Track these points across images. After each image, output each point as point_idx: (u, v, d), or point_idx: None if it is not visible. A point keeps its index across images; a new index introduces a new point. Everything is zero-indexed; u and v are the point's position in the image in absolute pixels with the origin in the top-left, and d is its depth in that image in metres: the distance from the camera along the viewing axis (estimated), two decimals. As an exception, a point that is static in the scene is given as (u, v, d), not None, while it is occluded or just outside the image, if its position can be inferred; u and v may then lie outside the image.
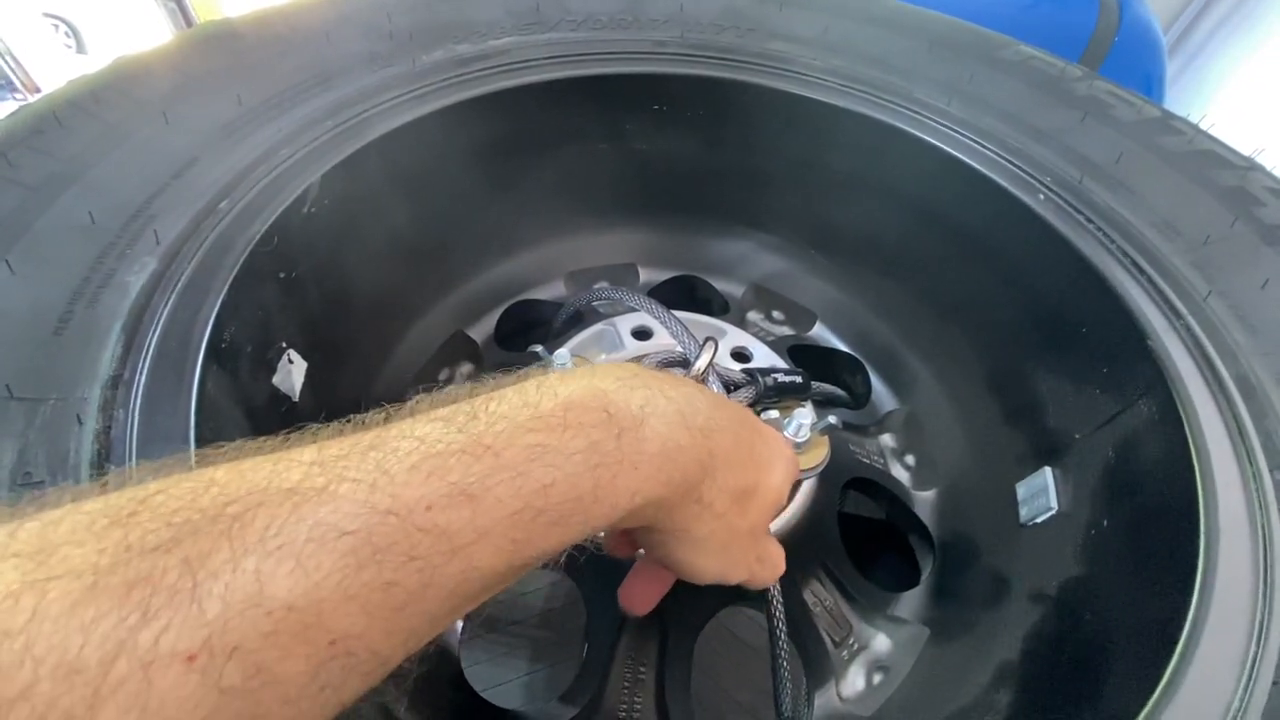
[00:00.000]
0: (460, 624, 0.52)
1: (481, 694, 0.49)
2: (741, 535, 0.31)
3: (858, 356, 0.71)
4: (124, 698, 0.15)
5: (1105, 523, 0.43)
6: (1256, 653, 0.30)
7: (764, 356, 0.62)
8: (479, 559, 0.20)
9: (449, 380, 0.64)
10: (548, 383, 0.25)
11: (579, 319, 0.65)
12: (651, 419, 0.24)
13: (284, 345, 0.46)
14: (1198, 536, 0.34)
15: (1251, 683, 0.29)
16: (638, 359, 0.49)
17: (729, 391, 0.48)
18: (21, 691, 0.14)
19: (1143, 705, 0.30)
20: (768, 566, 0.36)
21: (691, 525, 0.28)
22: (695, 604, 0.50)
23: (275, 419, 0.45)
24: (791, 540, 0.51)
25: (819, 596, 0.53)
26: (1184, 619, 0.32)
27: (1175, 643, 0.31)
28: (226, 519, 0.18)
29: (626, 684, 0.48)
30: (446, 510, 0.20)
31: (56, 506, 0.18)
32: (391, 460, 0.20)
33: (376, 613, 0.19)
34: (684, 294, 0.78)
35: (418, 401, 0.24)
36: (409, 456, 0.20)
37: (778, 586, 0.42)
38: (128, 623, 0.15)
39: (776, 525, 0.51)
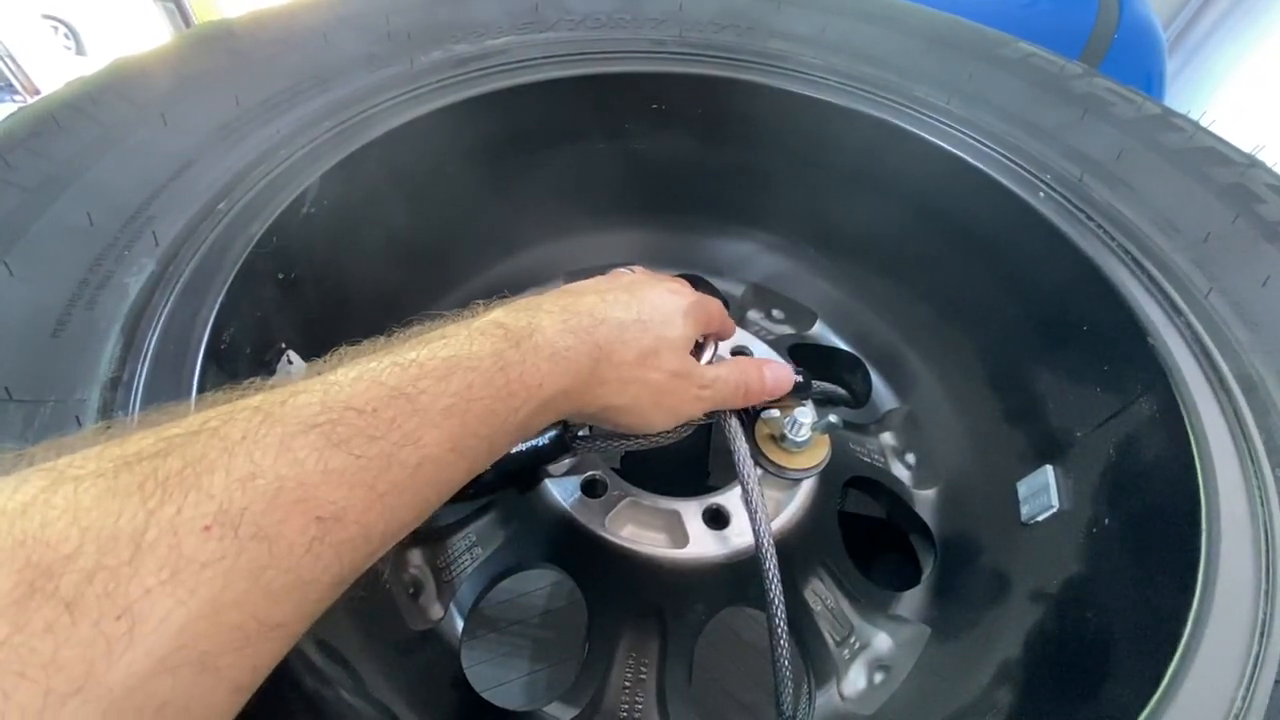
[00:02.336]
0: (460, 624, 0.52)
1: (482, 694, 0.49)
2: (664, 385, 0.36)
3: (858, 355, 0.71)
4: (158, 557, 0.18)
5: (1107, 521, 0.43)
6: (1259, 651, 0.30)
7: (764, 355, 0.62)
8: (428, 443, 0.24)
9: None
10: (453, 321, 0.31)
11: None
12: (539, 331, 0.30)
13: (283, 346, 0.46)
14: (1199, 534, 0.34)
15: (1254, 682, 0.29)
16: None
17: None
18: (73, 552, 0.17)
19: (1144, 704, 0.30)
20: (720, 388, 0.40)
21: (610, 399, 0.34)
22: (696, 603, 0.50)
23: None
24: (792, 539, 0.51)
25: (820, 595, 0.53)
26: (1186, 617, 0.32)
27: (1177, 641, 0.31)
28: (208, 431, 0.21)
29: (627, 684, 0.48)
30: (390, 407, 0.24)
31: (55, 451, 0.21)
32: (335, 382, 0.24)
33: (354, 487, 0.22)
34: (684, 293, 0.78)
35: (341, 353, 0.29)
36: (349, 376, 0.25)
37: (779, 588, 0.42)
38: (148, 505, 0.18)
39: (777, 525, 0.51)
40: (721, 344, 0.61)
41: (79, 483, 0.18)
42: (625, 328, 0.34)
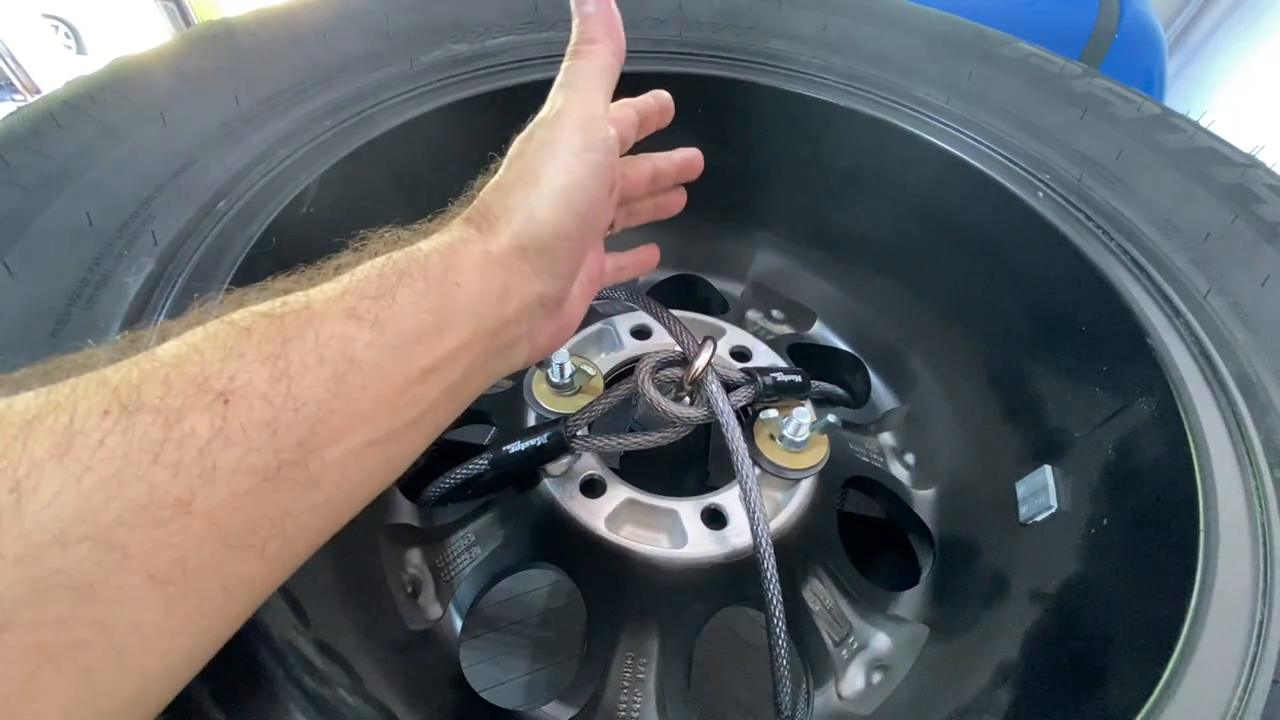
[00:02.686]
0: (459, 624, 0.52)
1: (481, 693, 0.49)
2: (549, 137, 0.32)
3: (857, 355, 0.71)
4: (51, 435, 0.18)
5: (1105, 521, 0.43)
6: (1256, 652, 0.30)
7: (763, 355, 0.62)
8: (323, 316, 0.24)
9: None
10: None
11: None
12: (434, 235, 0.31)
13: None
14: (1197, 535, 0.34)
15: (1251, 682, 0.29)
16: (637, 359, 0.49)
17: (728, 390, 0.48)
18: None
19: (1142, 704, 0.30)
20: (582, 59, 0.34)
21: (514, 212, 0.31)
22: (695, 603, 0.50)
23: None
24: (791, 539, 0.51)
25: (818, 595, 0.53)
26: (1183, 617, 0.32)
27: (1175, 641, 0.31)
28: (122, 345, 0.23)
29: (626, 683, 0.48)
30: (285, 299, 0.25)
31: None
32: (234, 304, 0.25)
33: (255, 364, 0.22)
34: (683, 293, 0.78)
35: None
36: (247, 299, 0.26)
37: (777, 588, 0.42)
38: (44, 395, 0.19)
39: (775, 525, 0.51)
40: (720, 344, 0.61)
41: None
42: (486, 187, 0.33)
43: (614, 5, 0.35)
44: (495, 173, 0.34)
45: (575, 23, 0.35)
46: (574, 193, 0.32)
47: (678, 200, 0.44)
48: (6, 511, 0.17)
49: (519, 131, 0.35)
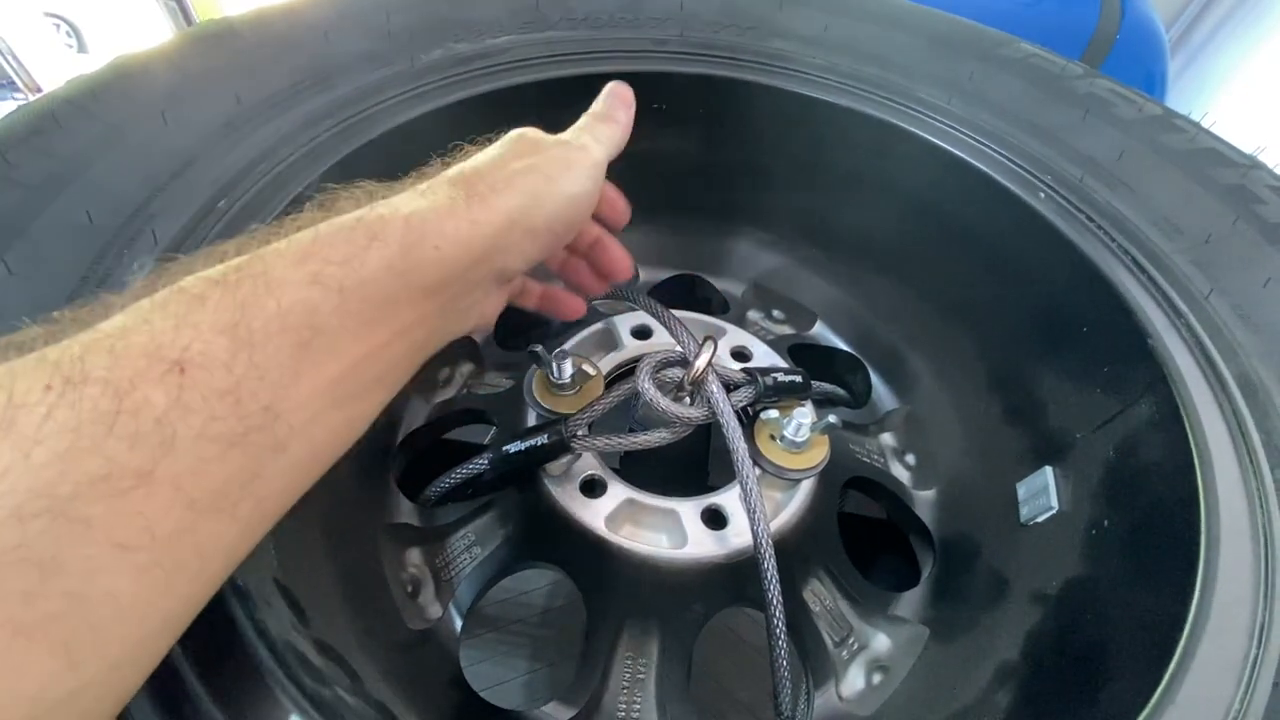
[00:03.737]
0: (459, 623, 0.51)
1: (480, 693, 0.49)
2: (552, 154, 0.35)
3: (858, 356, 0.71)
4: None
5: (1106, 523, 0.43)
6: (1257, 654, 0.30)
7: (764, 356, 0.62)
8: (284, 284, 0.24)
9: (448, 380, 0.64)
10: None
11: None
12: (393, 190, 0.32)
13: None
14: (1198, 536, 0.34)
15: (1252, 684, 0.29)
16: (637, 359, 0.49)
17: (729, 390, 0.48)
18: None
19: (1143, 706, 0.30)
20: (601, 128, 0.39)
21: (502, 205, 0.32)
22: (695, 603, 0.50)
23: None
24: (791, 540, 0.51)
25: (819, 596, 0.53)
26: (1184, 620, 0.32)
27: (1175, 643, 0.31)
28: (63, 321, 0.22)
29: (626, 683, 0.48)
30: (239, 262, 0.24)
31: None
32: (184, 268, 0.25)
33: (211, 333, 0.21)
34: (684, 293, 0.78)
35: None
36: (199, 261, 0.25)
37: (778, 589, 0.42)
38: None
39: (776, 525, 0.51)
40: (720, 344, 0.61)
41: None
42: (480, 157, 0.35)
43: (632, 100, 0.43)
44: (483, 149, 0.36)
45: (603, 98, 0.42)
46: (580, 201, 0.36)
47: (589, 281, 0.47)
48: None
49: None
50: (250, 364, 0.22)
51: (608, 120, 0.40)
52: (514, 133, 0.37)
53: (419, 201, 0.29)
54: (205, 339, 0.21)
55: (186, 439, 0.20)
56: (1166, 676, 0.30)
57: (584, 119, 0.40)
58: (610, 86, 0.42)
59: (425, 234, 0.28)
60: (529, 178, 0.33)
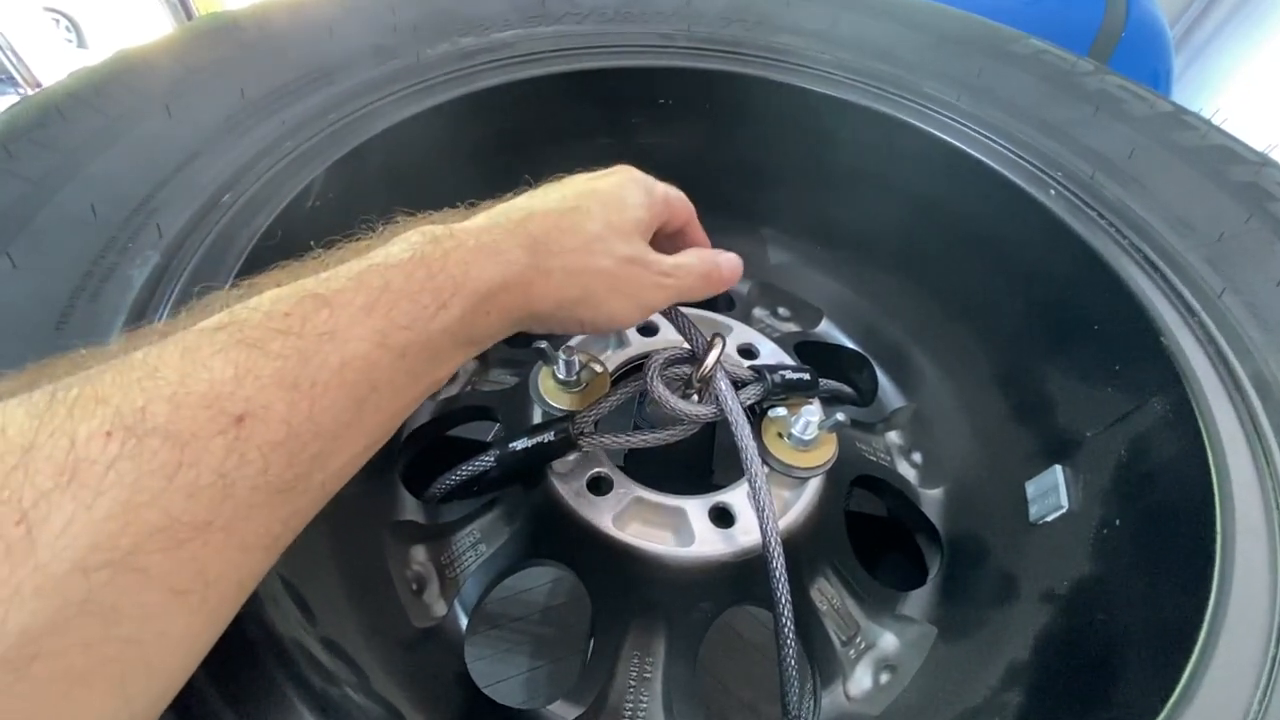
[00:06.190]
0: (464, 621, 0.51)
1: (485, 691, 0.49)
2: (618, 273, 0.34)
3: (864, 353, 0.71)
4: (52, 462, 0.18)
5: (1118, 522, 0.42)
6: (1276, 654, 0.30)
7: (770, 353, 0.61)
8: (349, 339, 0.24)
9: (453, 377, 0.64)
10: (373, 236, 0.30)
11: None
12: (460, 230, 0.29)
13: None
14: (1214, 536, 0.34)
15: (1271, 685, 0.29)
16: (643, 356, 0.49)
17: (737, 388, 0.47)
18: None
19: (1160, 709, 0.29)
20: (684, 276, 0.38)
21: (561, 293, 0.32)
22: (702, 602, 0.50)
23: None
24: (799, 538, 0.51)
25: (826, 595, 0.53)
26: (1201, 620, 0.31)
27: (1192, 645, 0.31)
28: (108, 356, 0.21)
29: (632, 682, 0.48)
30: (302, 306, 0.23)
31: None
32: (244, 296, 0.24)
33: (271, 386, 0.21)
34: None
35: (253, 279, 0.28)
36: (260, 291, 0.24)
37: (786, 587, 0.42)
38: (37, 417, 0.18)
39: (784, 524, 0.50)
40: (727, 341, 0.61)
41: None
42: (562, 215, 0.33)
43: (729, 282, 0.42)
44: (554, 197, 0.35)
45: (721, 260, 0.41)
46: (621, 324, 0.36)
47: None
48: (17, 545, 0.17)
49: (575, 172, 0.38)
50: (307, 417, 0.22)
51: (700, 275, 0.39)
52: (622, 179, 0.37)
53: (490, 266, 0.29)
54: (266, 393, 0.21)
55: (242, 490, 0.21)
56: (1184, 677, 0.30)
57: (690, 255, 0.40)
58: (733, 257, 0.42)
59: (489, 303, 0.29)
60: (595, 278, 0.33)
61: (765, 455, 0.50)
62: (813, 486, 0.52)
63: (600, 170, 0.39)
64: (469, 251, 0.28)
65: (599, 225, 0.34)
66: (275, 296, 0.24)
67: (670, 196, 0.40)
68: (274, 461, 0.21)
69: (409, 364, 0.26)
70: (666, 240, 0.42)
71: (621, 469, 0.52)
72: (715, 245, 0.75)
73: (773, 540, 0.42)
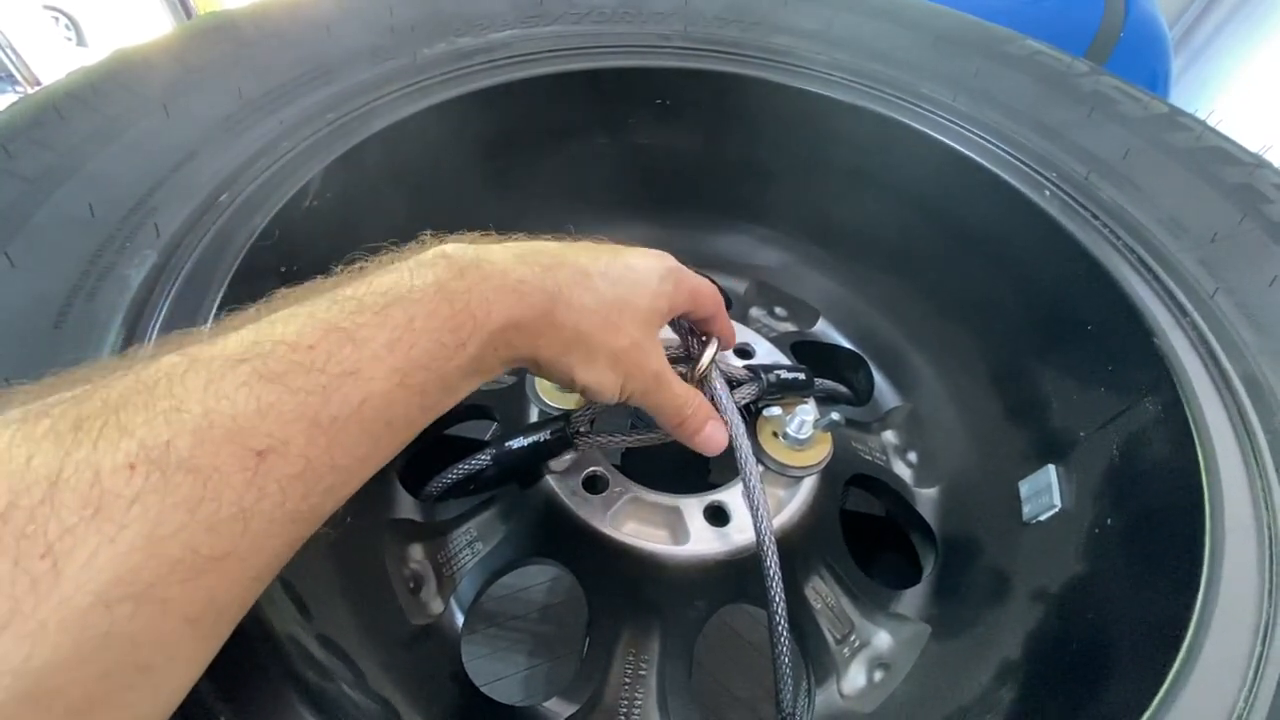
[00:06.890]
0: (460, 619, 0.51)
1: (481, 688, 0.49)
2: (622, 352, 0.34)
3: (860, 353, 0.71)
4: (78, 495, 0.18)
5: (1109, 521, 0.43)
6: (1262, 653, 0.30)
7: (766, 353, 0.62)
8: (370, 376, 0.24)
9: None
10: (398, 255, 0.30)
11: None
12: (488, 262, 0.29)
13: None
14: (1203, 536, 0.34)
15: (1256, 683, 0.29)
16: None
17: (732, 388, 0.48)
18: None
19: (1146, 706, 0.30)
20: (664, 398, 0.38)
21: (567, 348, 0.32)
22: (697, 600, 0.50)
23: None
24: (794, 537, 0.51)
25: (820, 593, 0.53)
26: (1188, 619, 0.32)
27: (1179, 643, 0.31)
28: (130, 374, 0.21)
29: (627, 680, 0.48)
30: (326, 341, 0.23)
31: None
32: (268, 321, 0.24)
33: (292, 421, 0.22)
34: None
35: (279, 296, 0.28)
36: (283, 315, 0.24)
37: (780, 586, 0.42)
38: (63, 446, 0.18)
39: (778, 522, 0.51)
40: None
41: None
42: (588, 275, 0.33)
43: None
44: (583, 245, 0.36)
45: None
46: (597, 392, 0.36)
47: None
48: (43, 578, 0.17)
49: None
50: (324, 452, 0.23)
51: (672, 415, 0.40)
52: (656, 264, 0.37)
53: (514, 307, 0.29)
54: (288, 429, 0.22)
55: (260, 522, 0.21)
56: (1171, 675, 0.30)
57: (685, 394, 0.40)
58: (717, 433, 0.42)
59: (499, 339, 0.29)
60: (601, 346, 0.33)
61: (760, 454, 0.50)
62: (808, 485, 0.53)
63: (641, 247, 0.39)
64: (493, 290, 0.29)
65: (619, 297, 0.34)
66: (300, 328, 0.24)
67: (699, 291, 0.40)
68: (291, 494, 0.22)
69: (424, 399, 0.27)
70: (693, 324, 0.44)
71: (617, 468, 0.52)
72: (715, 245, 0.75)
73: (767, 539, 0.43)
